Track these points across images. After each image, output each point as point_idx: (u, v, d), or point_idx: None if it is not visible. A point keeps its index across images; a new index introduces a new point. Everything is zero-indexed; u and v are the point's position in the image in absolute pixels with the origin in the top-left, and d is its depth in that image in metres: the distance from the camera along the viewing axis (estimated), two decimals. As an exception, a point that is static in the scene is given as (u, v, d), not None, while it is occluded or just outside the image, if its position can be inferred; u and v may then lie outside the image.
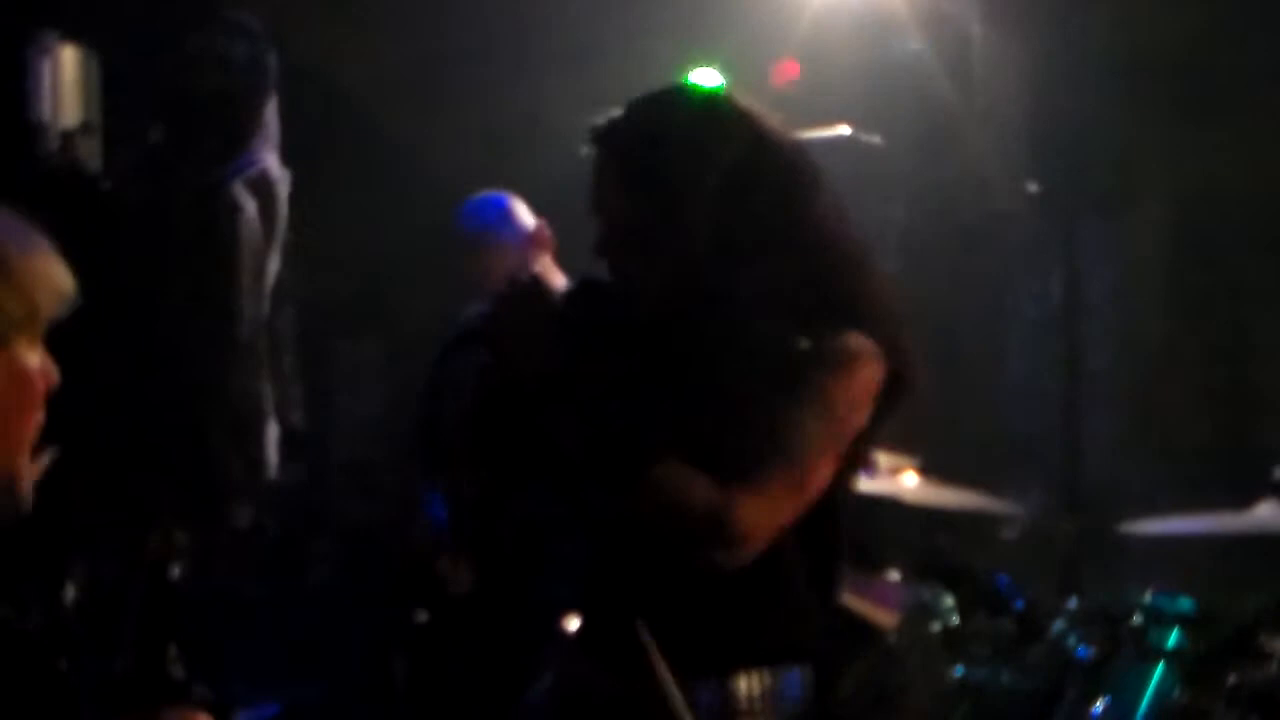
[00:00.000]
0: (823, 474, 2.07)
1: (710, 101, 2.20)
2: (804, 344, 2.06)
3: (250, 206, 3.93)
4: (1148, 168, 5.31)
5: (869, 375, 2.07)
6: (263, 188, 3.98)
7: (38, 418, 1.71)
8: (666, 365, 2.16)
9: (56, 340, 1.76)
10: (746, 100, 2.19)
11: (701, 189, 2.10)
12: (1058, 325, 5.37)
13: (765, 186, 2.12)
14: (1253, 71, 5.16)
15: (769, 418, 2.04)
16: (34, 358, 1.70)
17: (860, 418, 2.08)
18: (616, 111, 2.19)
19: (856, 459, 2.16)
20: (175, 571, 2.93)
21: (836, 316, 2.08)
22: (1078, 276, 5.34)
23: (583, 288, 2.26)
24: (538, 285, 2.16)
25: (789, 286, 2.10)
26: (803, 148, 2.21)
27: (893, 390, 2.11)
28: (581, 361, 2.10)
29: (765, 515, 2.02)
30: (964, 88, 5.34)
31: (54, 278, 1.71)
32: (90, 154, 4.20)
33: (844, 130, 5.06)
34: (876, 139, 4.98)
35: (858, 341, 2.07)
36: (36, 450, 1.73)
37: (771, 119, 2.18)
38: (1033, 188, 5.16)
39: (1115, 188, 5.23)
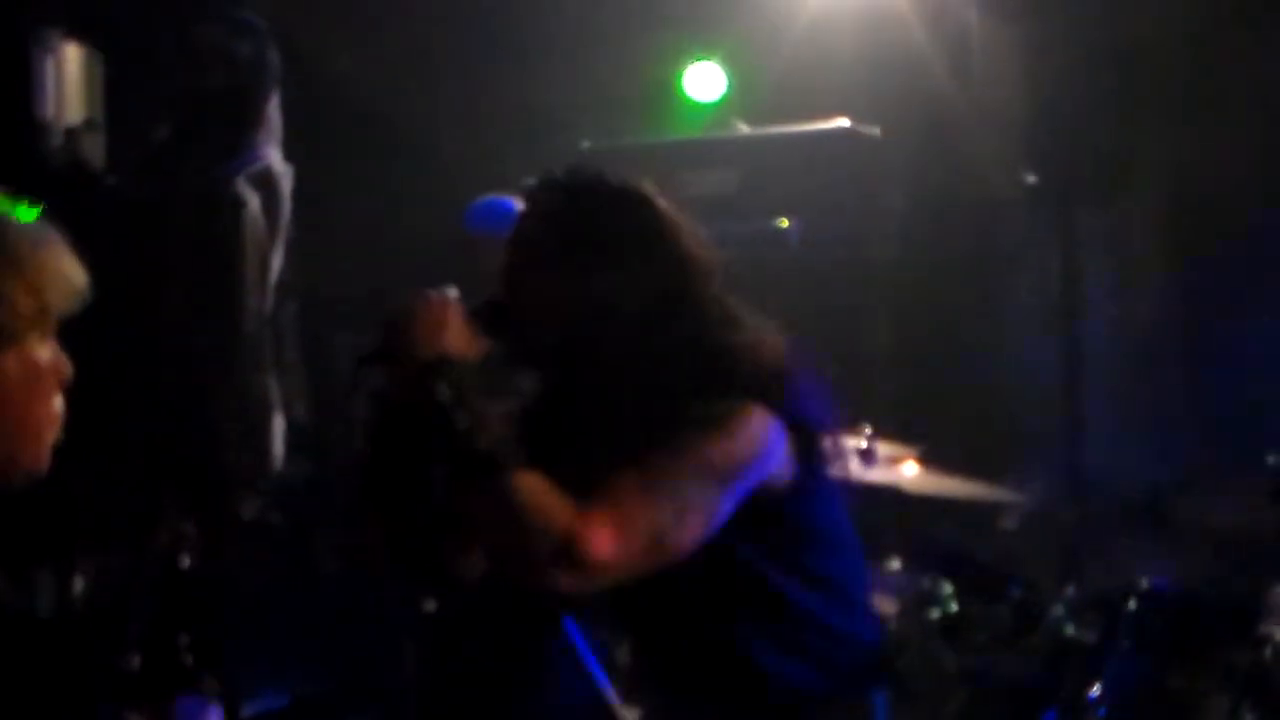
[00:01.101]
0: (691, 529, 2.08)
1: (621, 190, 2.28)
2: (690, 408, 2.10)
3: (254, 202, 3.95)
4: (1144, 157, 5.33)
5: (752, 432, 2.12)
6: (266, 183, 3.99)
7: (54, 410, 1.74)
8: (558, 397, 2.23)
9: (63, 335, 1.79)
10: (654, 192, 2.29)
11: (605, 268, 2.19)
12: (1056, 314, 5.40)
13: (660, 269, 2.21)
14: (1249, 61, 5.18)
15: (643, 464, 2.07)
16: (46, 352, 1.73)
17: (745, 472, 2.12)
18: (538, 179, 2.31)
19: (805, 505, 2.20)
20: (185, 562, 2.97)
21: (721, 386, 2.14)
22: (1076, 265, 5.37)
23: (490, 309, 2.27)
24: (444, 298, 2.17)
25: (683, 360, 2.17)
26: (699, 234, 2.29)
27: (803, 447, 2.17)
28: (478, 372, 2.12)
29: (619, 548, 2.01)
30: (962, 79, 5.36)
31: (65, 273, 1.74)
32: (94, 151, 4.22)
33: (843, 122, 5.09)
34: (875, 130, 5.01)
35: (739, 406, 2.12)
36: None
37: (676, 212, 2.28)
38: (1030, 178, 5.19)
39: (1112, 177, 5.24)
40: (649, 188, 2.29)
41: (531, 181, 2.32)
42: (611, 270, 2.20)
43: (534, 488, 2.02)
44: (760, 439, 2.14)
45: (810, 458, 2.21)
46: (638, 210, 2.26)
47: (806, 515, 2.25)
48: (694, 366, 2.16)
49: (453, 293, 2.19)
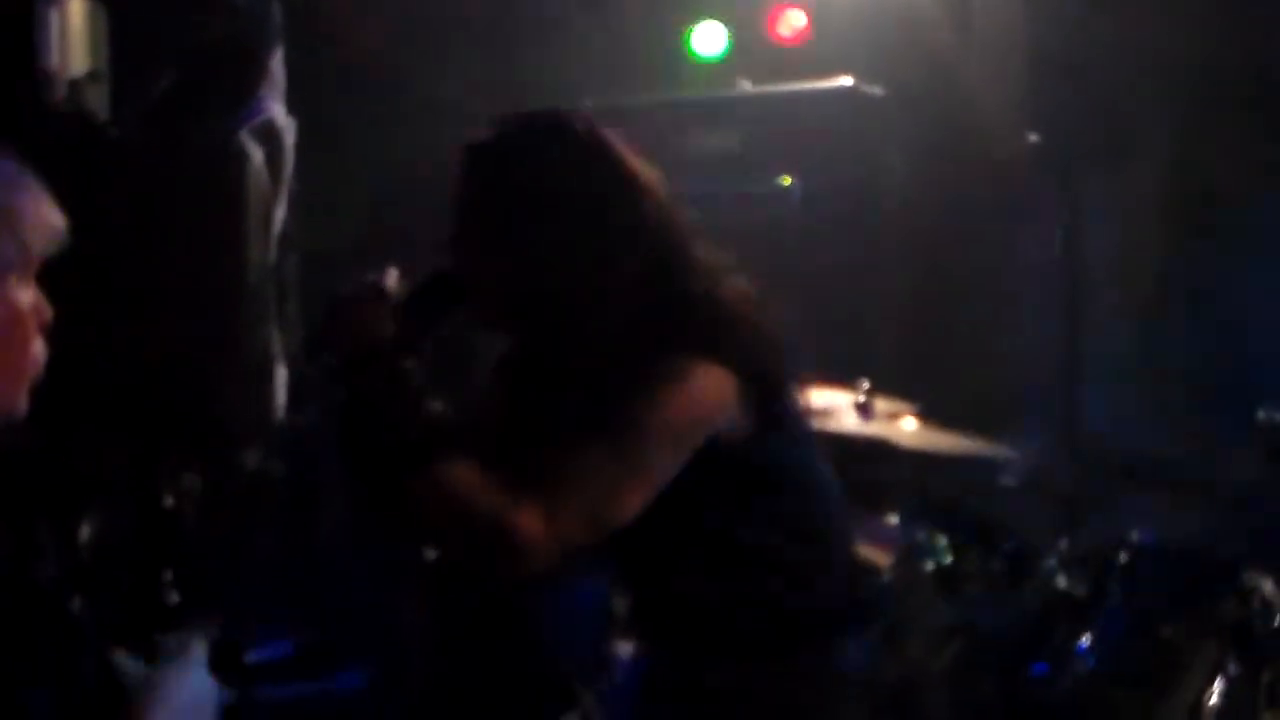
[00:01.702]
0: (631, 495, 2.06)
1: (582, 136, 2.22)
2: (636, 365, 2.09)
3: (257, 155, 3.98)
4: (1148, 117, 5.33)
5: (700, 388, 2.09)
6: (269, 136, 4.02)
7: (34, 353, 1.74)
8: (524, 357, 2.24)
9: (67, 287, 1.80)
10: (614, 136, 2.23)
11: (558, 217, 2.16)
12: (1058, 273, 5.41)
13: (624, 217, 2.17)
14: (1251, 24, 5.18)
15: (581, 432, 2.05)
16: (26, 295, 1.73)
17: (691, 429, 2.09)
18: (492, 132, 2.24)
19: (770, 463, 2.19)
20: (169, 501, 2.98)
21: (672, 339, 2.11)
22: (1078, 224, 5.37)
23: (433, 281, 2.24)
24: (378, 288, 2.15)
25: (633, 313, 2.14)
26: (644, 164, 2.24)
27: (760, 397, 2.14)
28: (422, 338, 2.13)
29: (551, 529, 1.99)
30: (964, 39, 5.36)
31: (44, 216, 1.74)
32: (98, 102, 4.23)
33: (846, 81, 5.09)
34: (878, 90, 5.01)
35: (687, 361, 2.09)
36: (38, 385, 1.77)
37: (618, 144, 2.22)
38: (1033, 137, 5.19)
39: (1115, 139, 5.25)
40: (579, 119, 2.23)
41: (465, 143, 2.26)
42: (555, 228, 2.16)
43: (464, 478, 2.00)
44: (708, 394, 2.11)
45: (770, 408, 2.18)
46: (573, 159, 2.19)
47: (769, 465, 2.22)
48: (645, 318, 2.14)
49: (392, 277, 2.17)
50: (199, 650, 1.75)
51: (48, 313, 1.75)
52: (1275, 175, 5.19)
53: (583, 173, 2.19)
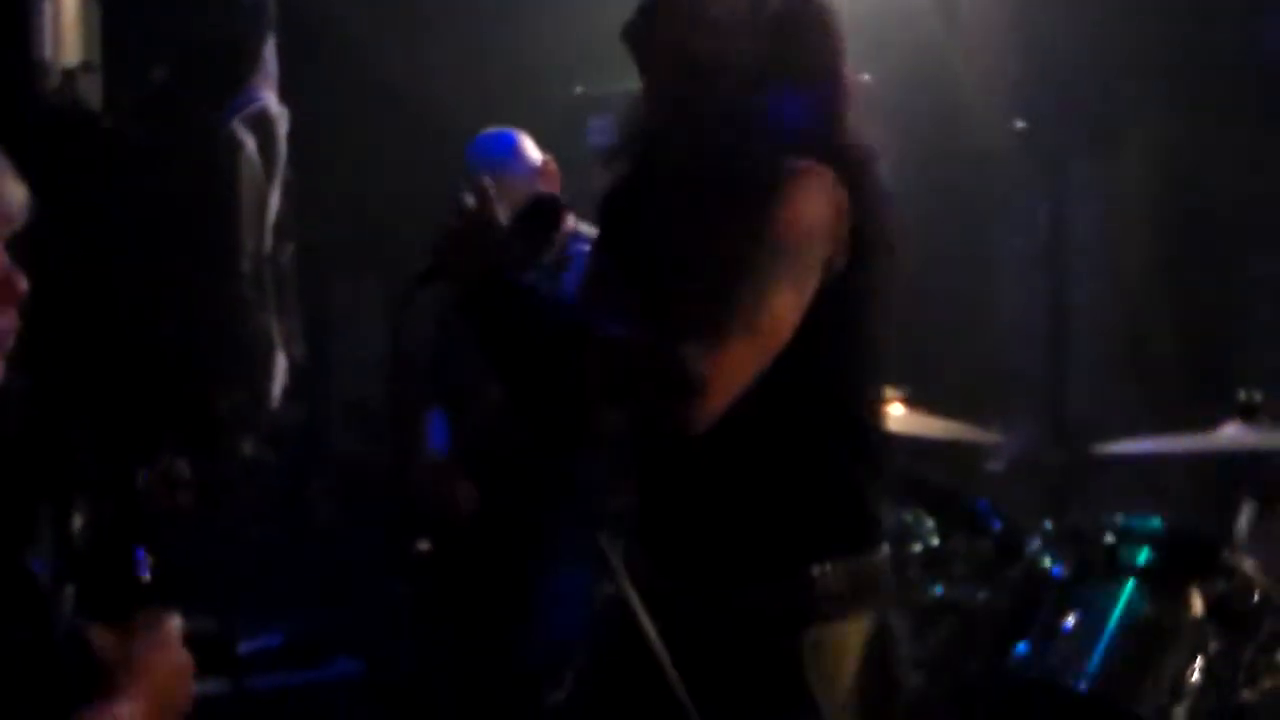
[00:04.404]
0: (782, 313, 2.03)
1: None
2: (766, 169, 2.06)
3: (250, 144, 4.00)
4: (1133, 105, 5.37)
5: (819, 203, 2.06)
6: (262, 125, 4.05)
7: (4, 324, 1.74)
8: (663, 219, 2.19)
9: (63, 278, 1.82)
10: None
11: (755, 26, 2.16)
12: (1043, 260, 5.44)
13: (809, 30, 2.21)
14: (1239, 10, 5.21)
15: (718, 263, 2.02)
16: None
17: (819, 248, 2.06)
18: None
19: (849, 306, 2.12)
20: (142, 479, 2.99)
21: (787, 141, 2.09)
22: (1063, 212, 5.41)
23: (535, 203, 2.29)
24: (484, 200, 2.15)
25: (787, 128, 2.12)
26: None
27: (858, 227, 2.09)
28: (533, 258, 2.15)
29: (724, 361, 1.98)
30: (951, 25, 5.38)
31: (5, 187, 1.74)
32: (91, 92, 4.26)
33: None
34: (865, 76, 5.03)
35: (804, 164, 2.07)
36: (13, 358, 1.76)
37: None
38: (1019, 125, 5.21)
39: (1101, 125, 5.28)
40: None
41: None
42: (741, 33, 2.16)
43: (625, 339, 2.02)
44: (831, 205, 2.07)
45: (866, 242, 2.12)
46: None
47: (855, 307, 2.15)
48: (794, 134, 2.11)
49: (488, 184, 2.17)
50: (174, 624, 1.76)
51: (22, 284, 1.74)
52: (1261, 161, 5.23)
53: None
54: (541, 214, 2.27)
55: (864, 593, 2.19)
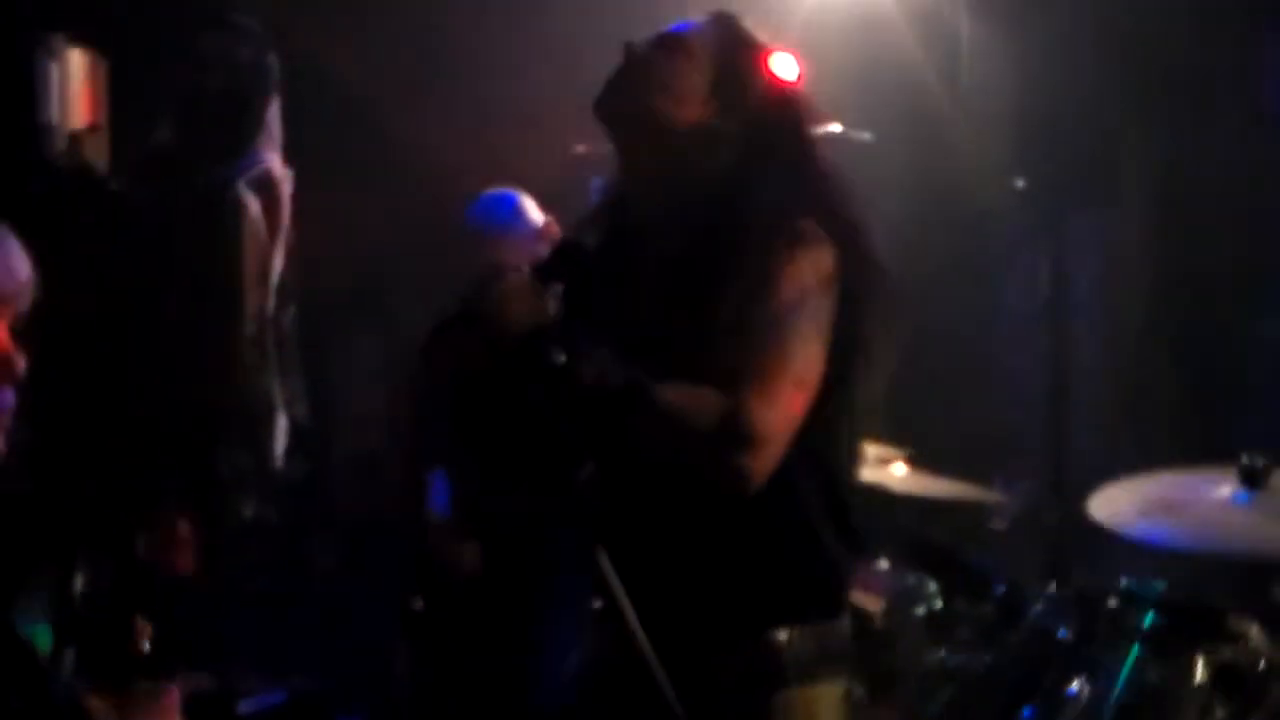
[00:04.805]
0: (816, 365, 2.12)
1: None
2: (765, 232, 2.15)
3: (254, 205, 4.01)
4: (1133, 164, 5.39)
5: (814, 260, 2.15)
6: (266, 187, 4.06)
7: (4, 402, 1.74)
8: (653, 275, 2.25)
9: (69, 337, 1.83)
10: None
11: (723, 94, 2.28)
12: (1045, 318, 5.45)
13: (784, 102, 2.32)
14: (1236, 70, 5.24)
15: (750, 318, 2.10)
16: None
17: (827, 303, 2.14)
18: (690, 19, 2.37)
19: (845, 364, 2.19)
20: (142, 547, 2.99)
21: (793, 205, 2.20)
22: (1064, 270, 5.42)
23: (564, 248, 2.35)
24: (527, 272, 2.23)
25: (767, 184, 2.22)
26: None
27: (852, 282, 2.19)
28: (571, 307, 2.18)
29: (776, 410, 2.06)
30: (952, 84, 5.42)
31: (12, 265, 1.75)
32: (98, 155, 4.27)
33: (835, 127, 5.14)
34: (867, 135, 5.07)
35: (808, 227, 2.17)
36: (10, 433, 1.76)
37: None
38: (1020, 183, 5.24)
39: (1101, 184, 5.30)
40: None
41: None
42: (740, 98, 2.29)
43: (677, 394, 2.07)
44: (829, 264, 2.17)
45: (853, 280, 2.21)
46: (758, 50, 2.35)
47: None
48: (783, 191, 2.22)
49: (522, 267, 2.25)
50: (174, 697, 1.76)
51: (21, 365, 1.74)
52: (1262, 219, 5.25)
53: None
54: (567, 261, 2.31)
55: (833, 659, 2.23)
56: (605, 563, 2.06)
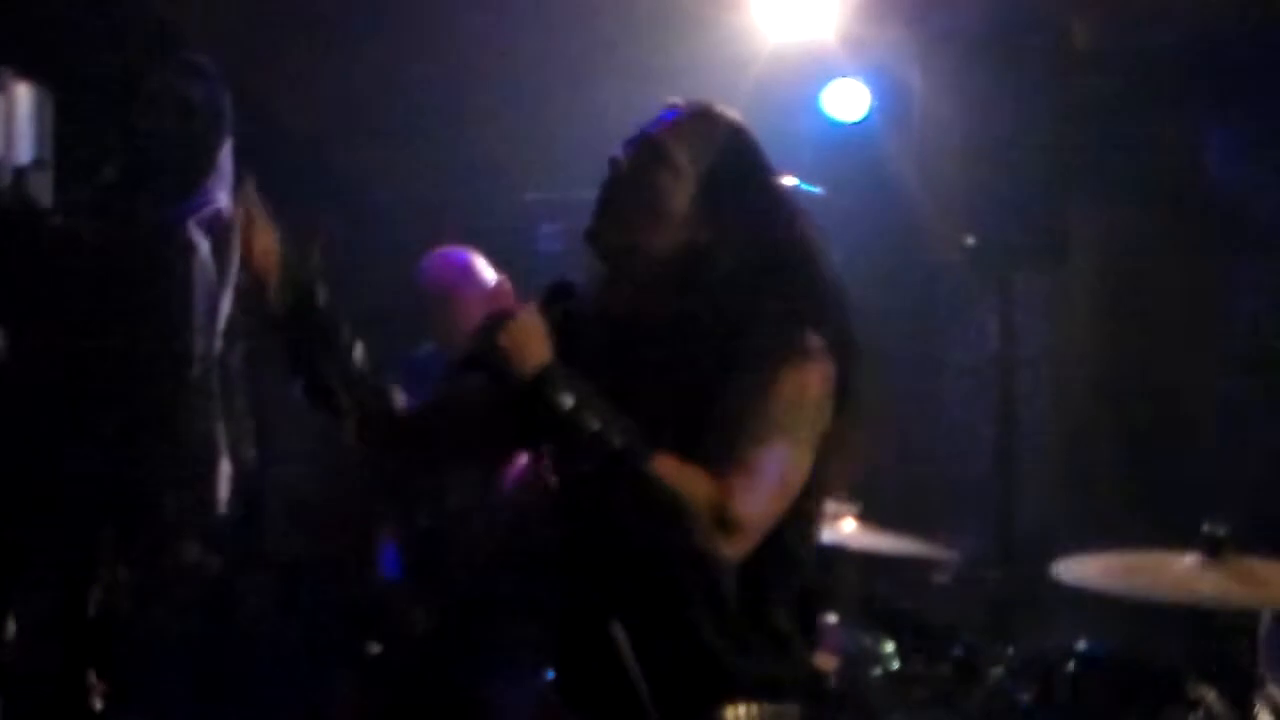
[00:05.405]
0: (802, 473, 2.17)
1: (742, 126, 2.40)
2: (772, 341, 2.19)
3: (204, 246, 3.95)
4: (1081, 223, 5.44)
5: (821, 373, 2.20)
6: (216, 228, 4.00)
7: None
8: (645, 366, 2.26)
9: (8, 377, 1.78)
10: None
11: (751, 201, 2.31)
12: (992, 374, 5.48)
13: (775, 206, 2.34)
14: (1182, 141, 5.32)
15: (747, 413, 2.14)
16: None
17: (824, 417, 2.20)
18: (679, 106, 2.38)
19: (825, 468, 2.24)
20: (94, 602, 2.94)
21: (801, 318, 2.23)
22: (1012, 327, 5.46)
23: (557, 290, 2.34)
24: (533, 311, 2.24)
25: (771, 295, 2.24)
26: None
27: (840, 392, 2.24)
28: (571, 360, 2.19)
29: (758, 502, 2.11)
30: (903, 141, 5.45)
31: None
32: (42, 190, 4.19)
33: (788, 180, 5.16)
34: (818, 189, 5.08)
35: (815, 341, 2.21)
36: None
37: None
38: (969, 240, 5.27)
39: (1049, 241, 5.35)
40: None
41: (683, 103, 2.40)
42: (732, 206, 2.29)
43: (671, 467, 2.10)
44: (828, 380, 2.21)
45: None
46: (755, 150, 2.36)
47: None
48: (784, 304, 2.24)
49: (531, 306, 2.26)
50: None
51: None
52: (1207, 275, 5.31)
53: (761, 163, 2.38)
54: (561, 298, 2.32)
55: None
56: (621, 636, 2.06)
